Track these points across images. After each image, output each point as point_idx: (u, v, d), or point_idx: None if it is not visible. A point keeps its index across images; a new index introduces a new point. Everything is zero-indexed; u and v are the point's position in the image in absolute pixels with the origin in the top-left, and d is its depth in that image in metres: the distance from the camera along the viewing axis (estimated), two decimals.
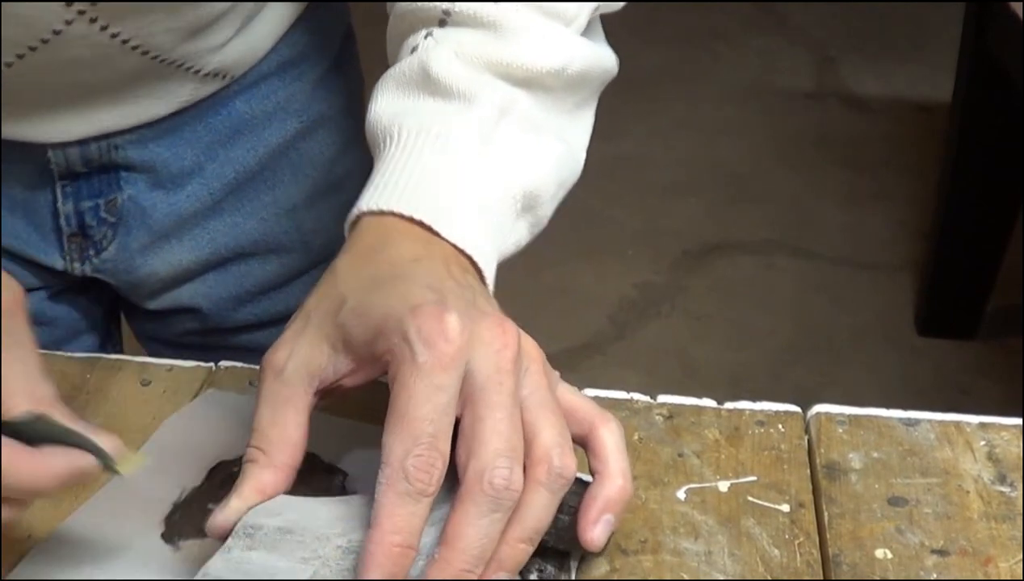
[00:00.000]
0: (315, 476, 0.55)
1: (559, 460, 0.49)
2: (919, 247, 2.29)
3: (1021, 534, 0.56)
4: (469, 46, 0.60)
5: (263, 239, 0.81)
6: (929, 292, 2.13)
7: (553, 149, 0.62)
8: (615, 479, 0.51)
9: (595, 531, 0.51)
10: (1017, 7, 1.70)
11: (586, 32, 0.64)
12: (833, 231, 2.44)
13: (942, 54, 2.37)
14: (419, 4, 0.62)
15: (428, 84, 0.60)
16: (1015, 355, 2.08)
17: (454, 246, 0.55)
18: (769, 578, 0.53)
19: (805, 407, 0.63)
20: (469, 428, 0.48)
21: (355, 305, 0.51)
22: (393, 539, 0.46)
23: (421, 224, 0.54)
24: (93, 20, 0.64)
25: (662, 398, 0.64)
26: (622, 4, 0.67)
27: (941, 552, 0.55)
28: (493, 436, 0.48)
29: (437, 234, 0.54)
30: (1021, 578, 0.53)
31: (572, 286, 2.24)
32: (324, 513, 0.50)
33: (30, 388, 0.49)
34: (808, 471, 0.59)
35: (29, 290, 0.74)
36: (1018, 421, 0.63)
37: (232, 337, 0.84)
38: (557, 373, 0.53)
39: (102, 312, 0.84)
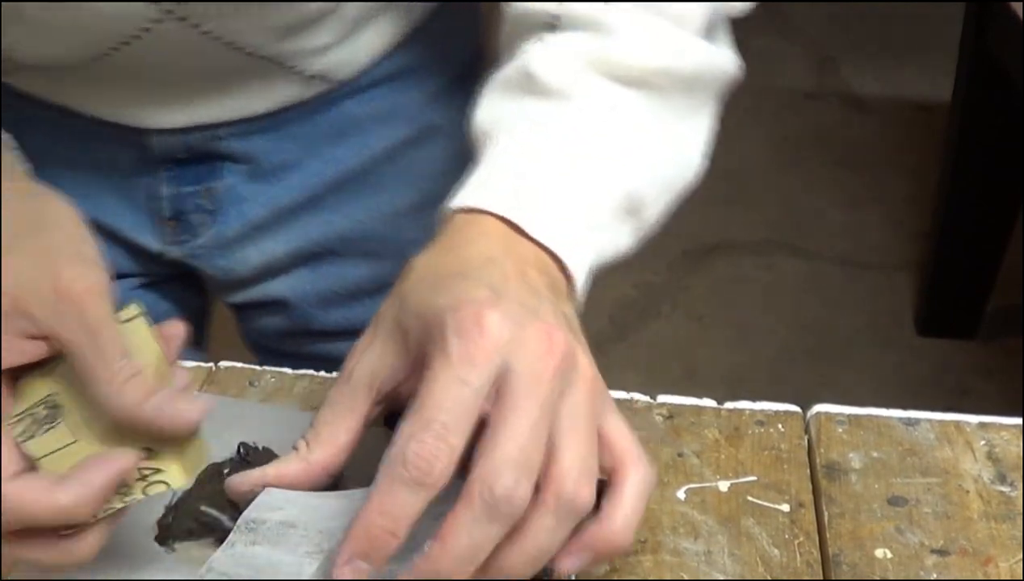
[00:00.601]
0: None
1: (572, 487, 0.46)
2: (919, 247, 2.29)
3: (1021, 534, 0.56)
4: (574, 46, 0.59)
5: (358, 241, 0.80)
6: (929, 292, 2.13)
7: (660, 151, 0.60)
8: (613, 525, 0.48)
9: (566, 562, 0.48)
10: (1017, 7, 1.70)
11: (709, 34, 0.62)
12: (833, 231, 2.44)
13: (942, 54, 2.37)
14: (528, 8, 0.61)
15: (529, 84, 0.59)
16: (1015, 355, 2.08)
17: (542, 246, 0.53)
18: (769, 578, 0.53)
19: (805, 407, 0.63)
20: (489, 429, 0.46)
21: (414, 304, 0.50)
22: (377, 520, 0.45)
23: (508, 222, 0.53)
24: (182, 19, 0.65)
25: (662, 398, 0.64)
26: (750, 5, 0.65)
27: (941, 552, 0.55)
28: (508, 442, 0.45)
29: (524, 233, 0.53)
30: (1021, 578, 0.53)
31: None
32: (326, 507, 0.50)
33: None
34: (808, 471, 0.59)
35: (121, 276, 0.78)
36: (1018, 421, 0.63)
37: (317, 343, 0.83)
38: (611, 402, 0.51)
39: (192, 310, 0.85)
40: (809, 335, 2.18)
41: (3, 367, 0.48)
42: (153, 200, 0.77)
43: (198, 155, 0.75)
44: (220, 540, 0.51)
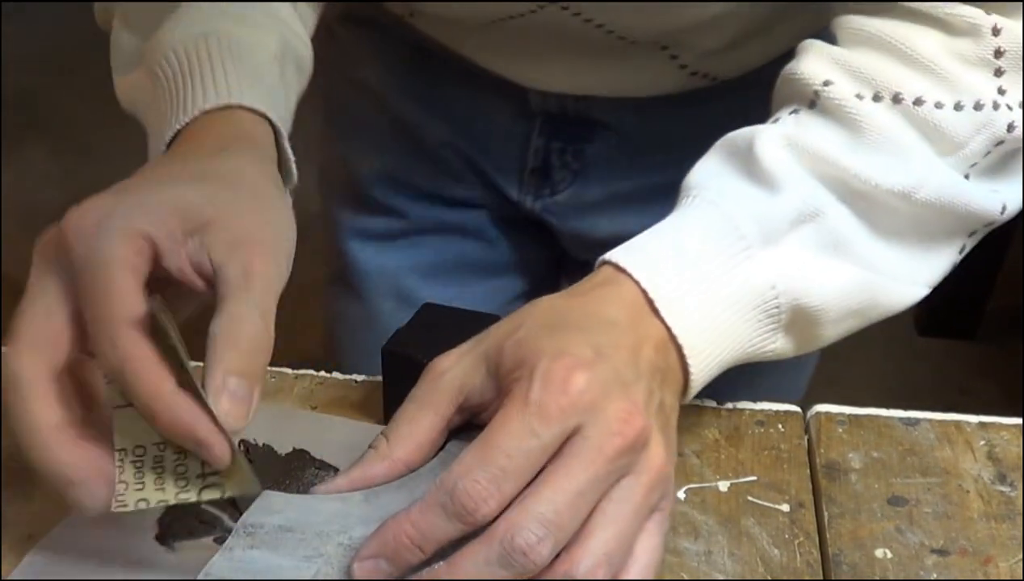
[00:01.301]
0: (306, 472, 0.56)
1: (584, 572, 0.46)
2: None
3: (1021, 534, 0.56)
4: (812, 137, 0.57)
5: None
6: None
7: (848, 273, 0.57)
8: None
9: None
10: None
11: (995, 169, 0.59)
12: None
13: None
14: (800, 73, 0.59)
15: (745, 160, 0.57)
16: (1015, 355, 2.08)
17: (670, 332, 0.52)
18: (769, 578, 0.53)
19: (805, 407, 0.63)
20: (536, 481, 0.46)
21: (522, 336, 0.50)
22: (408, 529, 0.45)
23: (646, 295, 0.53)
24: (564, 8, 0.68)
25: None
26: None
27: (941, 552, 0.55)
28: (547, 500, 0.45)
29: (656, 311, 0.52)
30: (1021, 578, 0.53)
31: None
32: (323, 510, 0.50)
33: None
34: (808, 471, 0.59)
35: (476, 207, 0.86)
36: (1018, 421, 0.63)
37: None
38: (667, 518, 0.50)
39: (542, 261, 0.89)
40: None
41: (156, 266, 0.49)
42: (523, 148, 0.81)
43: (572, 117, 0.78)
44: (220, 539, 0.51)
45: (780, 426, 0.62)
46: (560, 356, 0.48)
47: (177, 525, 0.54)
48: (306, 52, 0.66)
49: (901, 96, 0.57)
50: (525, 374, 0.47)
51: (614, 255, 0.54)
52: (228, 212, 0.51)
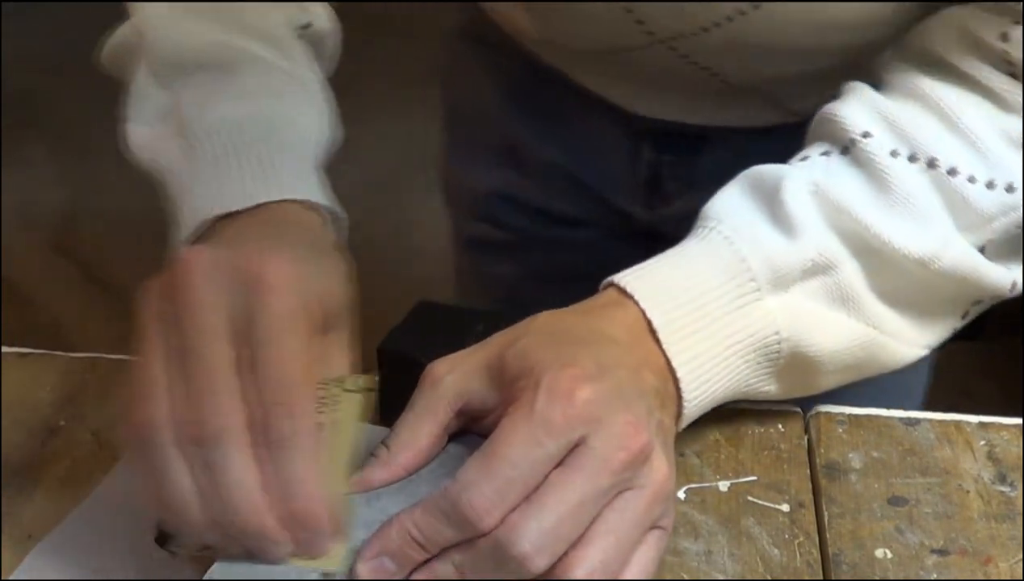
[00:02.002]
0: None
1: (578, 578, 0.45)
2: None
3: (1021, 534, 0.56)
4: (839, 187, 0.56)
5: None
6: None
7: (852, 328, 0.57)
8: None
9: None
10: None
11: (1011, 246, 0.59)
12: None
13: None
14: (841, 117, 0.58)
15: (769, 199, 0.57)
16: (1015, 355, 2.08)
17: (667, 359, 0.52)
18: (769, 578, 0.53)
19: (805, 407, 0.63)
20: (539, 491, 0.46)
21: (525, 346, 0.50)
22: (412, 531, 0.45)
23: (649, 322, 0.53)
24: (672, 49, 0.68)
25: None
26: None
27: (941, 552, 0.55)
28: (548, 510, 0.45)
29: (657, 339, 0.53)
30: (1021, 578, 0.53)
31: None
32: None
33: None
34: (808, 471, 0.59)
35: (586, 224, 0.87)
36: (1018, 421, 0.63)
37: None
38: (666, 536, 0.50)
39: None
40: None
41: None
42: (633, 162, 0.81)
43: (682, 134, 0.78)
44: None
45: (780, 426, 0.62)
46: (565, 367, 0.47)
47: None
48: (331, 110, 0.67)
49: (937, 162, 0.56)
50: (530, 384, 0.47)
51: (621, 279, 0.54)
52: None
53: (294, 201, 0.57)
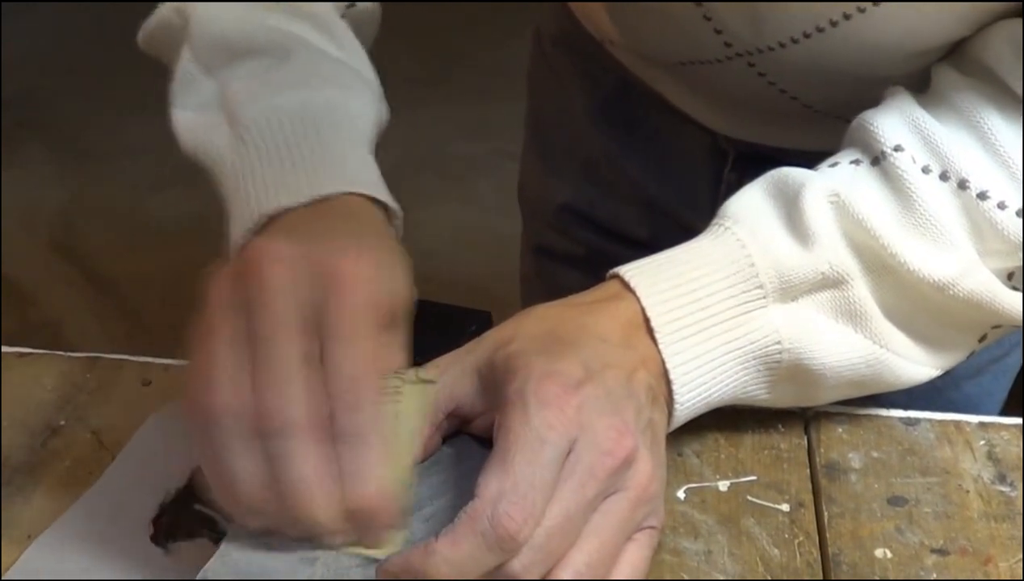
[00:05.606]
0: None
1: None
2: None
3: (1021, 534, 0.56)
4: (862, 201, 0.55)
5: None
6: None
7: (859, 345, 0.56)
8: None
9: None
10: None
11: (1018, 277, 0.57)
12: None
13: None
14: (876, 127, 0.57)
15: (789, 204, 0.56)
16: None
17: (662, 358, 0.52)
18: (769, 578, 0.53)
19: (805, 407, 0.63)
20: None
21: (514, 349, 0.49)
22: (441, 567, 0.44)
23: (647, 318, 0.52)
24: (751, 65, 0.67)
25: None
26: None
27: (941, 552, 0.55)
28: (537, 530, 0.44)
29: (653, 335, 0.52)
30: (1021, 578, 0.53)
31: None
32: None
33: None
34: (808, 471, 0.59)
35: (651, 245, 0.88)
36: (1018, 421, 0.63)
37: None
38: (656, 535, 0.50)
39: None
40: None
41: None
42: (715, 182, 0.80)
43: (765, 156, 0.74)
44: (216, 539, 0.51)
45: (780, 426, 0.62)
46: (550, 377, 0.47)
47: (172, 525, 0.54)
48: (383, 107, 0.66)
49: (968, 183, 0.55)
50: (517, 398, 0.47)
51: (625, 270, 0.54)
52: None
53: (356, 194, 0.56)
